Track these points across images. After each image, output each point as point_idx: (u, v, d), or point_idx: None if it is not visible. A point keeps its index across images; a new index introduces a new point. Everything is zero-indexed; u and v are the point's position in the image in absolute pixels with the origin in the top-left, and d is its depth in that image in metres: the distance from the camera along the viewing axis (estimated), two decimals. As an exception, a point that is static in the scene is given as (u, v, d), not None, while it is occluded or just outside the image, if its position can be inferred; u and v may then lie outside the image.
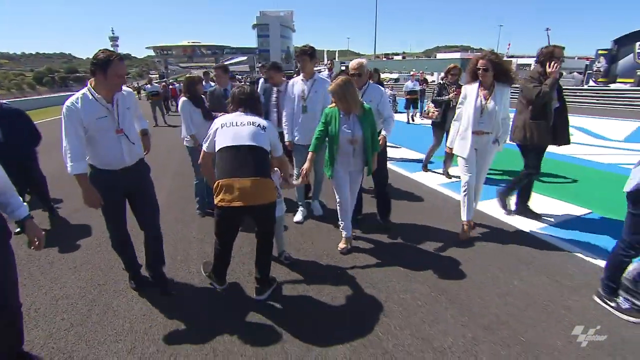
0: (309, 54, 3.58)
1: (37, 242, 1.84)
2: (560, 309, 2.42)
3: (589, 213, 4.07)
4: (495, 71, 3.09)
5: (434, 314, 2.40)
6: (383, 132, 3.26)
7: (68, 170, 2.21)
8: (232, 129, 2.40)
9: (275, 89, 4.12)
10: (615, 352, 2.04)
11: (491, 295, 2.59)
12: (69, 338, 2.22)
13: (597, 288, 2.51)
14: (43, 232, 1.85)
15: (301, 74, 3.72)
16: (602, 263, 2.95)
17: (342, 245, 3.26)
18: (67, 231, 3.87)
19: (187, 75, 4.41)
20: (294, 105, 3.71)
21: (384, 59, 63.90)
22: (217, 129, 2.45)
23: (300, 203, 4.00)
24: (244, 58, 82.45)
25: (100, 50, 2.21)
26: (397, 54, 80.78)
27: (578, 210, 4.11)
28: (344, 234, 3.27)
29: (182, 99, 3.93)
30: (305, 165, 2.98)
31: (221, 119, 2.50)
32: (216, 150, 2.41)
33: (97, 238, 3.60)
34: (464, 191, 3.38)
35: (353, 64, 3.33)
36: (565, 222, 3.82)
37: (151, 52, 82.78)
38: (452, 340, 2.16)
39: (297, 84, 3.69)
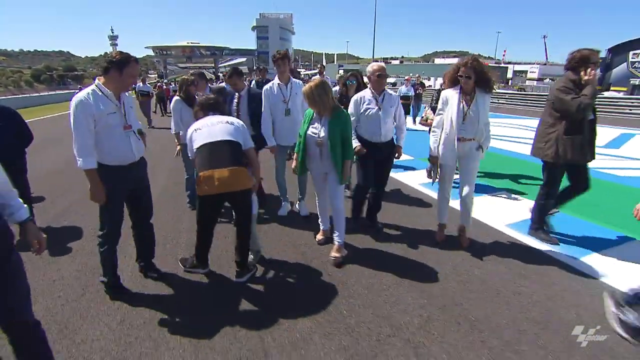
0: (288, 58, 3.77)
1: (38, 246, 1.70)
2: (510, 294, 2.69)
3: (556, 212, 4.34)
4: (476, 78, 3.03)
5: (396, 297, 2.65)
6: (400, 143, 3.56)
7: (78, 165, 2.29)
8: (205, 129, 2.68)
9: (236, 94, 4.15)
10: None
11: (451, 282, 2.85)
12: (65, 312, 2.46)
13: (546, 275, 2.77)
14: (44, 235, 1.74)
15: (277, 78, 3.86)
16: (557, 256, 3.23)
17: (319, 236, 3.51)
18: (63, 222, 4.10)
19: (182, 77, 4.67)
20: (273, 109, 3.83)
21: (382, 63, 64.78)
22: (191, 135, 2.72)
23: (283, 198, 4.24)
24: (243, 59, 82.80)
25: (117, 51, 2.42)
26: (396, 59, 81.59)
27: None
28: (321, 226, 3.52)
29: (175, 98, 4.19)
30: (293, 165, 3.27)
31: (193, 126, 2.77)
32: (194, 150, 2.67)
33: (92, 228, 3.80)
34: (441, 196, 3.48)
35: (379, 65, 3.41)
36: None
37: (150, 52, 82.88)
38: (409, 318, 2.42)
39: (275, 88, 3.84)
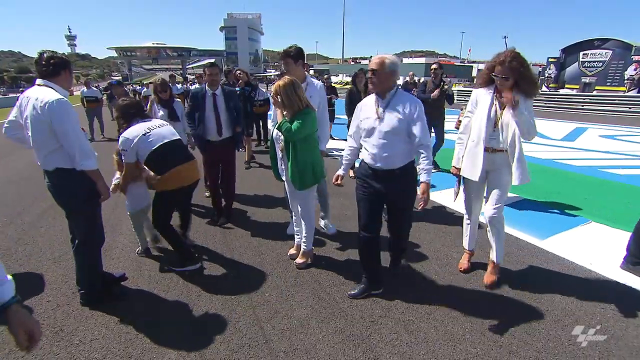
0: (292, 56, 3.16)
1: (26, 340, 1.06)
2: (479, 270, 2.96)
3: (519, 198, 4.73)
4: (516, 79, 2.43)
5: (384, 281, 2.81)
6: (423, 177, 2.33)
7: (86, 167, 2.23)
8: (152, 133, 2.78)
9: (210, 92, 3.80)
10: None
11: (433, 265, 3.09)
12: (58, 316, 2.44)
13: (515, 254, 3.05)
14: (39, 323, 1.13)
15: None
16: (524, 237, 3.54)
17: (292, 250, 3.24)
18: (40, 228, 3.97)
19: (157, 78, 4.67)
20: None
21: (351, 63, 65.98)
22: (139, 140, 2.71)
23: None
24: (212, 60, 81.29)
25: (47, 51, 2.23)
26: (365, 58, 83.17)
27: (511, 197, 4.75)
28: (296, 239, 3.20)
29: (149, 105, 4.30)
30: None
31: (134, 132, 2.75)
32: (151, 150, 2.71)
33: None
34: (467, 220, 2.93)
35: (374, 59, 2.39)
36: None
37: (113, 53, 79.55)
38: (398, 299, 2.61)
39: None
